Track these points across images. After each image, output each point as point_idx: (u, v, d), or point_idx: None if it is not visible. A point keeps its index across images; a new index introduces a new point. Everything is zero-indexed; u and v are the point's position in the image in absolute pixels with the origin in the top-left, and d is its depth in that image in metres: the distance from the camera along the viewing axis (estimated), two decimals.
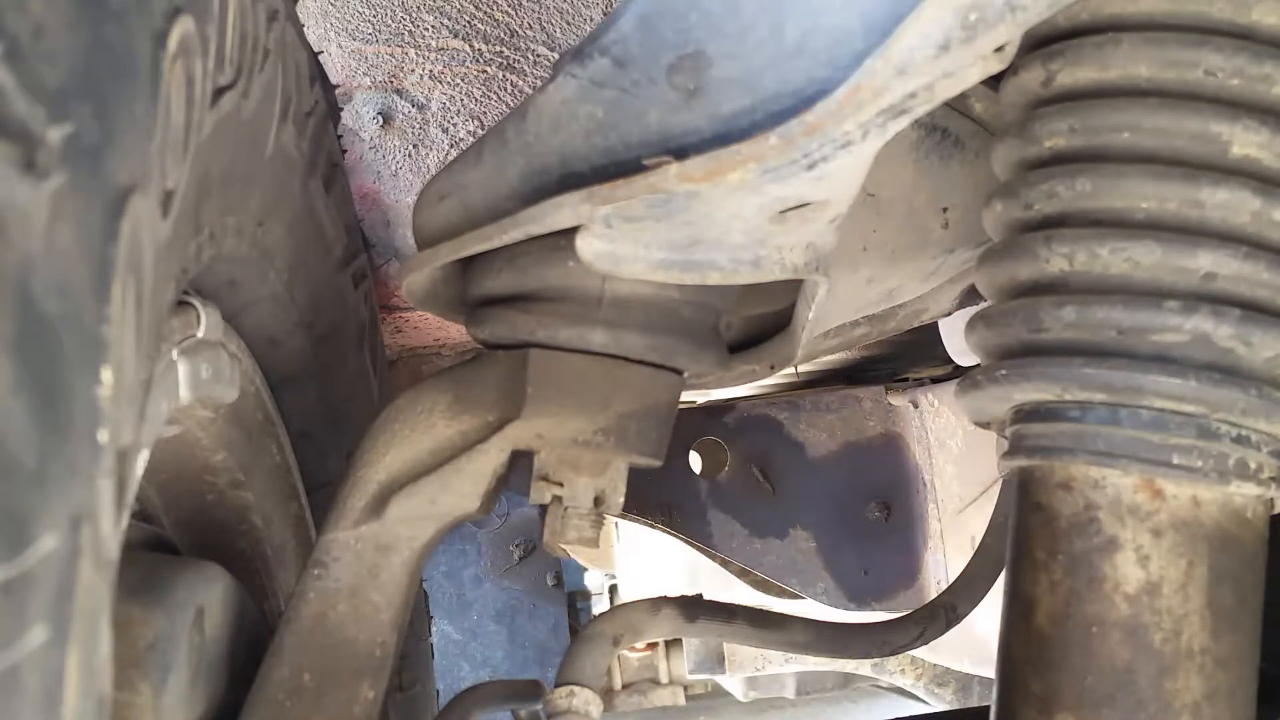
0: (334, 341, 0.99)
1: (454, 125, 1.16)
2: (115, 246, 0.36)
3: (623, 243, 0.57)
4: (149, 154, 0.40)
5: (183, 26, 0.44)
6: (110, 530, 0.35)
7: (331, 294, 0.98)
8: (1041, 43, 0.61)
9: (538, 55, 1.14)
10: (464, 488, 0.67)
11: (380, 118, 1.15)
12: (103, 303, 0.35)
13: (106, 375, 0.34)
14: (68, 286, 0.32)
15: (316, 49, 1.07)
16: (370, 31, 1.11)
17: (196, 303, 0.71)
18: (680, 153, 0.53)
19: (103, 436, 0.34)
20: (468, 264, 0.68)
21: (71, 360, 0.32)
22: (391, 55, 1.12)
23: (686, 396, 1.82)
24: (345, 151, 1.13)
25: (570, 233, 0.58)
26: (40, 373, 0.30)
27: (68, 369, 0.32)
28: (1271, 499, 0.59)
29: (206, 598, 0.70)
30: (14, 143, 0.30)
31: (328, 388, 0.98)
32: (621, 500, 0.69)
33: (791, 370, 1.93)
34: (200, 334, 0.70)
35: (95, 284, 0.34)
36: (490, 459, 0.67)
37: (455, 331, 1.41)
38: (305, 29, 1.05)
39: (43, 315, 0.31)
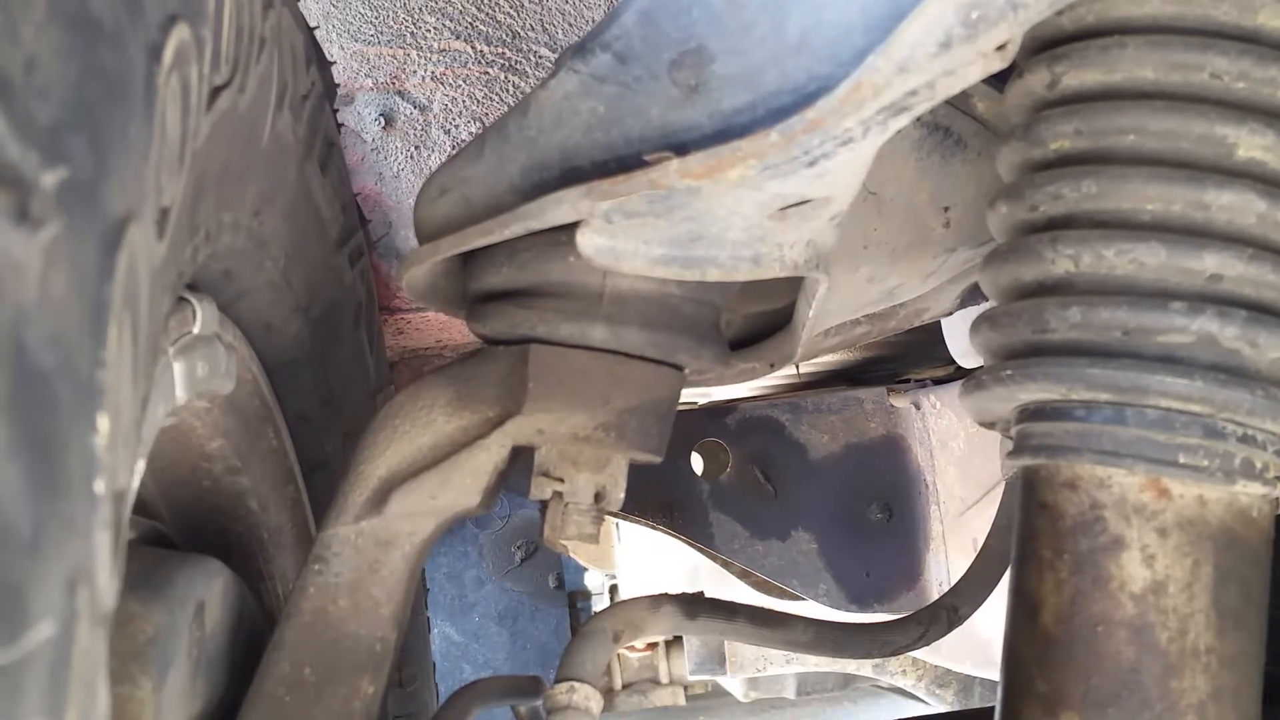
0: (330, 323, 0.98)
1: (456, 127, 1.17)
2: (111, 285, 0.34)
3: (623, 238, 0.57)
4: (145, 176, 0.39)
5: (179, 35, 0.43)
6: (107, 582, 0.34)
7: (328, 275, 0.97)
8: (1047, 45, 0.61)
9: (539, 57, 1.14)
10: (464, 483, 0.67)
11: (382, 119, 1.15)
12: (99, 346, 0.33)
13: (103, 423, 0.33)
14: (62, 336, 0.31)
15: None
16: (372, 33, 1.11)
17: (192, 299, 0.71)
18: (681, 149, 0.53)
19: (99, 487, 0.33)
20: (468, 259, 0.67)
21: (67, 413, 0.31)
22: (393, 57, 1.12)
23: (688, 397, 1.81)
24: (346, 150, 1.13)
25: (571, 228, 0.57)
26: (35, 431, 0.29)
27: (63, 422, 0.31)
28: (1277, 498, 0.58)
29: (207, 592, 0.70)
30: (6, 192, 0.28)
31: (324, 369, 0.97)
32: (622, 496, 0.68)
33: (793, 370, 1.92)
34: (196, 330, 0.70)
35: (91, 328, 0.33)
36: (491, 454, 0.67)
37: (457, 332, 1.41)
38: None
39: (37, 370, 0.29)
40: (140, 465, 0.52)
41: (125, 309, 0.36)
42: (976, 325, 0.63)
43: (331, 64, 1.09)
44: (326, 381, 0.98)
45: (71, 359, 0.31)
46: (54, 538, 0.30)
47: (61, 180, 0.31)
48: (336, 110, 1.11)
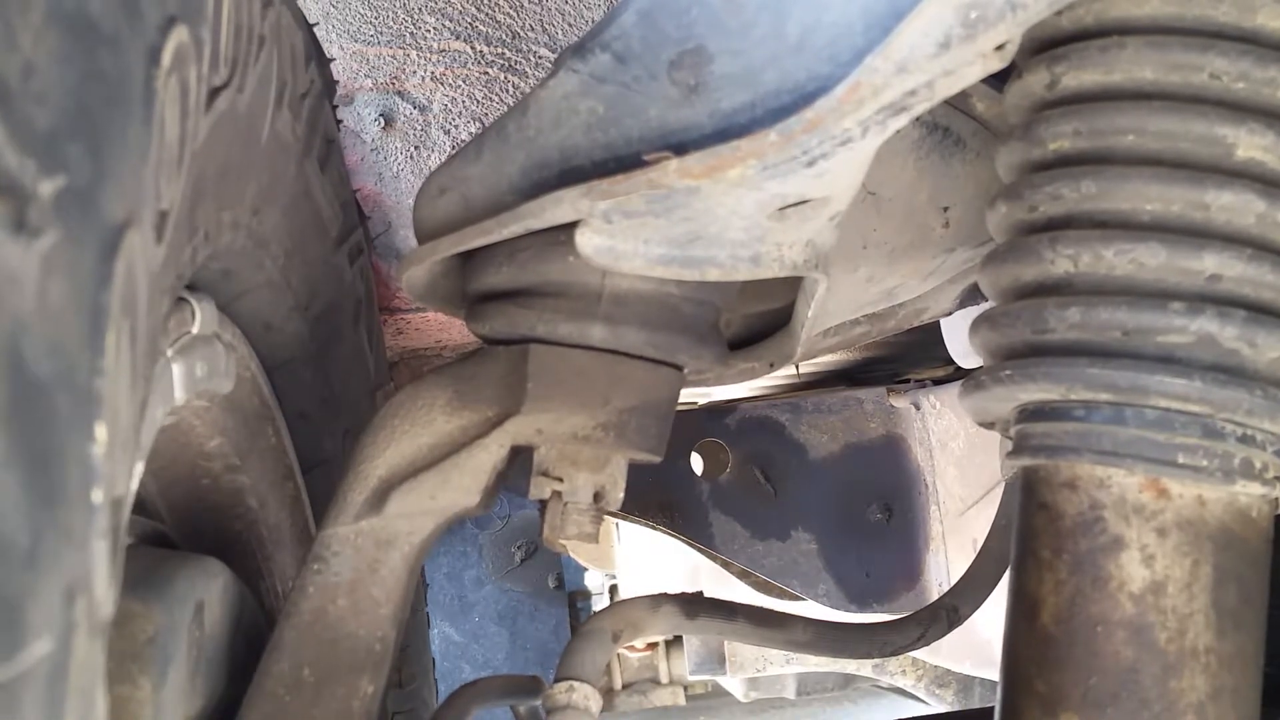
0: (330, 321, 0.98)
1: (456, 127, 1.17)
2: (109, 292, 0.34)
3: (622, 238, 0.57)
4: (143, 180, 0.39)
5: (178, 37, 0.43)
6: (105, 591, 0.34)
7: (327, 273, 0.97)
8: (1046, 45, 0.61)
9: (539, 57, 1.14)
10: (464, 483, 0.67)
11: (382, 119, 1.15)
12: (97, 354, 0.33)
13: (101, 432, 0.33)
14: (60, 345, 0.31)
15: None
16: (372, 33, 1.11)
17: (191, 299, 0.71)
18: (680, 148, 0.53)
19: (97, 496, 0.32)
20: (468, 258, 0.67)
21: (65, 423, 0.31)
22: (393, 57, 1.12)
23: (688, 397, 1.81)
24: (346, 150, 1.13)
25: (570, 228, 0.57)
26: (33, 441, 0.29)
27: (61, 432, 0.30)
28: (1276, 498, 0.58)
29: (206, 592, 0.70)
30: (3, 201, 0.28)
31: (324, 368, 0.98)
32: (621, 495, 0.68)
33: (793, 371, 1.92)
34: (195, 330, 0.70)
35: (89, 337, 0.33)
36: (490, 454, 0.67)
37: (456, 332, 1.41)
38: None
39: (34, 379, 0.29)
40: (139, 469, 0.52)
41: (123, 315, 0.36)
42: (976, 325, 0.63)
43: (330, 61, 1.09)
44: (326, 379, 0.98)
45: (70, 368, 0.31)
46: (52, 549, 0.29)
47: (59, 189, 0.31)
48: (336, 108, 1.11)
